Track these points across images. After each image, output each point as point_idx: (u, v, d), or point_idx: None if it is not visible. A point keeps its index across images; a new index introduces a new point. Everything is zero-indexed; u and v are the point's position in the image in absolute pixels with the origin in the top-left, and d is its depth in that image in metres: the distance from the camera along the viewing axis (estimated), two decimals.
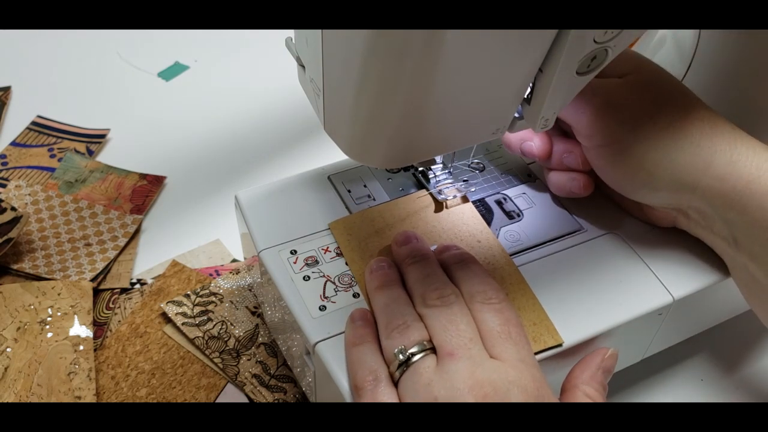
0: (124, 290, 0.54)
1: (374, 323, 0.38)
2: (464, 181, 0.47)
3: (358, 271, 0.41)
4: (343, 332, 0.38)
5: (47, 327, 0.50)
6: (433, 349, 0.35)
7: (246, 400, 0.48)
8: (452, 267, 0.39)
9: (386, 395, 0.34)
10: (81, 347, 0.49)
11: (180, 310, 0.51)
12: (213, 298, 0.52)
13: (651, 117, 0.39)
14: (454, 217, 0.44)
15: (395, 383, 0.35)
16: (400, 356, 0.35)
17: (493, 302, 0.37)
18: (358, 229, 0.43)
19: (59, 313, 0.51)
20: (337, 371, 0.37)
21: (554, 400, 0.34)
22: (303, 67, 0.37)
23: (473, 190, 0.46)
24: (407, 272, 0.39)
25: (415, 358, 0.34)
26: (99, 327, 0.51)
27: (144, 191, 0.61)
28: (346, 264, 0.42)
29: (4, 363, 0.48)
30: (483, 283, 0.38)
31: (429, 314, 0.36)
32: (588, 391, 0.37)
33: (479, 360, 0.34)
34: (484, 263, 0.41)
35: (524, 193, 0.46)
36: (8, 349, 0.48)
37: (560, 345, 0.38)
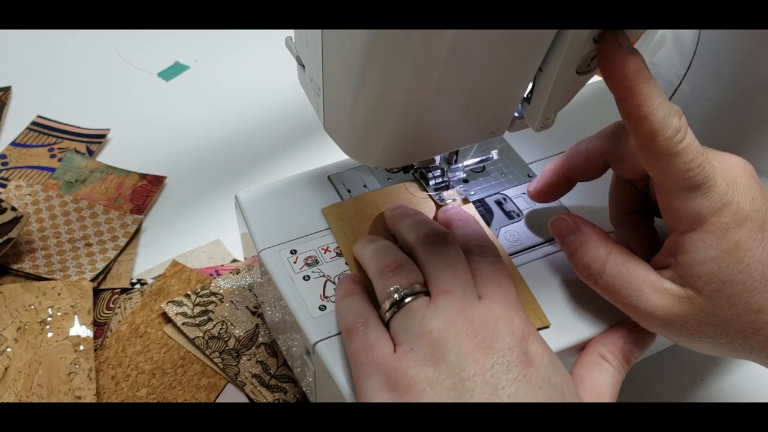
0: (124, 290, 0.54)
1: (363, 285, 0.39)
2: (464, 181, 0.47)
3: (350, 256, 0.42)
4: None
5: (47, 327, 0.50)
6: (426, 293, 0.36)
7: (246, 400, 0.48)
8: (453, 223, 0.40)
9: (379, 335, 0.35)
10: (81, 347, 0.49)
11: (180, 310, 0.51)
12: (213, 298, 0.52)
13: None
14: None
15: (386, 324, 0.36)
16: (395, 295, 0.35)
17: (488, 256, 0.38)
18: (350, 215, 0.44)
19: (59, 313, 0.51)
20: (338, 371, 0.37)
21: (539, 336, 0.35)
22: (303, 66, 0.37)
23: (472, 192, 0.46)
24: (401, 226, 0.40)
25: (409, 299, 0.35)
26: (99, 327, 0.51)
27: (144, 191, 0.61)
28: (346, 263, 0.42)
29: (4, 363, 0.48)
30: (481, 239, 0.39)
31: (426, 253, 0.37)
32: (603, 352, 0.37)
33: (471, 300, 0.35)
34: None
35: (524, 193, 0.46)
36: (8, 349, 0.49)
37: (547, 327, 0.39)
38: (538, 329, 0.39)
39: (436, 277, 0.36)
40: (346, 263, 0.42)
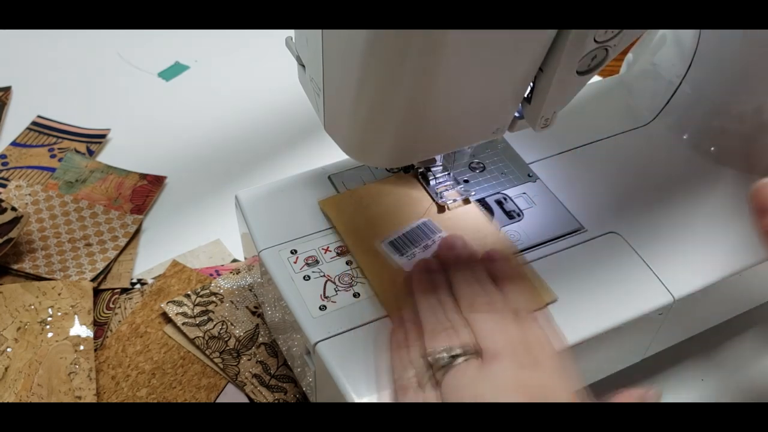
0: (124, 290, 0.54)
1: (419, 327, 0.38)
2: (465, 181, 0.47)
3: (351, 242, 0.42)
4: (343, 332, 0.38)
5: (47, 327, 0.50)
6: (477, 354, 0.35)
7: (246, 400, 0.48)
8: (498, 279, 0.39)
9: (431, 395, 0.34)
10: (81, 347, 0.49)
11: (180, 310, 0.51)
12: (213, 298, 0.52)
13: None
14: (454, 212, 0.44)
15: (438, 382, 0.35)
16: (444, 355, 0.35)
17: (539, 319, 0.37)
18: (347, 204, 0.45)
19: (59, 313, 0.51)
20: (338, 371, 0.37)
21: None
22: (303, 66, 0.37)
23: (473, 192, 0.46)
24: (455, 278, 0.39)
25: (459, 359, 0.35)
26: (99, 327, 0.51)
27: (144, 191, 0.61)
28: (347, 262, 0.42)
29: (4, 363, 0.48)
30: (530, 300, 0.38)
31: (477, 319, 0.36)
32: None
33: (525, 363, 0.34)
34: None
35: (524, 193, 0.46)
36: (9, 349, 0.48)
37: (555, 300, 0.40)
38: (547, 304, 0.40)
39: (487, 339, 0.35)
40: (348, 261, 0.42)
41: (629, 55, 0.56)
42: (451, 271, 0.39)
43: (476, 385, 0.33)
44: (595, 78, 0.40)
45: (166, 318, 0.51)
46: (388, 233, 0.43)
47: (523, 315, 0.37)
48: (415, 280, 0.40)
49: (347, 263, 0.42)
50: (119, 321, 0.52)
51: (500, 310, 0.37)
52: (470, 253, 0.40)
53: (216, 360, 0.49)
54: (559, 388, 0.34)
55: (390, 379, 0.37)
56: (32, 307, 0.51)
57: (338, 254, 0.42)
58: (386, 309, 0.40)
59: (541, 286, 0.41)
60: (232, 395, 0.48)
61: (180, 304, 0.52)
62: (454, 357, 0.35)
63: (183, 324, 0.50)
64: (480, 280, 0.38)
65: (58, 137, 0.66)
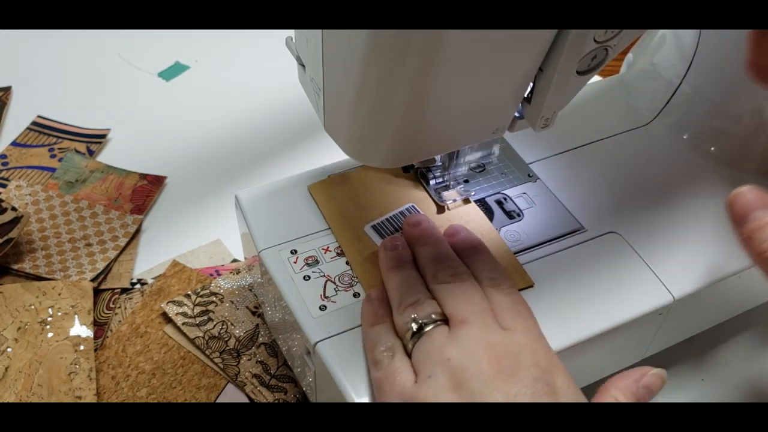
0: (124, 290, 0.54)
1: (388, 303, 0.39)
2: (465, 181, 0.47)
3: (338, 229, 0.43)
4: (343, 332, 0.39)
5: (48, 327, 0.50)
6: (445, 321, 0.36)
7: (246, 400, 0.48)
8: (462, 253, 0.40)
9: (402, 364, 0.35)
10: (81, 347, 0.49)
11: (180, 310, 0.51)
12: (213, 298, 0.52)
13: None
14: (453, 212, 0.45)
15: (409, 355, 0.36)
16: (413, 325, 0.36)
17: (502, 287, 0.38)
18: (336, 191, 0.45)
19: (60, 313, 0.51)
20: (338, 371, 0.37)
21: (562, 368, 0.35)
22: (303, 66, 0.37)
23: (473, 192, 0.46)
24: (419, 253, 0.40)
25: (428, 327, 0.35)
26: (99, 327, 0.51)
27: (144, 191, 0.61)
28: (343, 254, 0.42)
29: (4, 363, 0.48)
30: (493, 270, 0.39)
31: (441, 289, 0.37)
32: (617, 395, 0.37)
33: (492, 326, 0.35)
34: None
35: (524, 193, 0.46)
36: (9, 349, 0.49)
37: (531, 286, 0.41)
38: (523, 289, 0.40)
39: (453, 306, 0.36)
40: (340, 249, 0.42)
41: (629, 55, 0.56)
42: (416, 247, 0.41)
43: (444, 349, 0.34)
44: (595, 78, 0.40)
45: (166, 318, 0.51)
46: (374, 218, 0.43)
47: (487, 284, 0.38)
48: (381, 258, 0.41)
49: (347, 263, 0.42)
50: (119, 321, 0.52)
51: (465, 280, 0.38)
52: (434, 229, 0.41)
53: (216, 360, 0.49)
54: (528, 348, 0.34)
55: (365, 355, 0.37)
56: (32, 307, 0.51)
57: (338, 254, 0.42)
58: (366, 292, 0.40)
59: (516, 270, 0.41)
60: (232, 395, 0.48)
61: (180, 304, 0.52)
62: (422, 326, 0.36)
63: (183, 324, 0.50)
64: (443, 254, 0.39)
65: (58, 137, 0.66)
